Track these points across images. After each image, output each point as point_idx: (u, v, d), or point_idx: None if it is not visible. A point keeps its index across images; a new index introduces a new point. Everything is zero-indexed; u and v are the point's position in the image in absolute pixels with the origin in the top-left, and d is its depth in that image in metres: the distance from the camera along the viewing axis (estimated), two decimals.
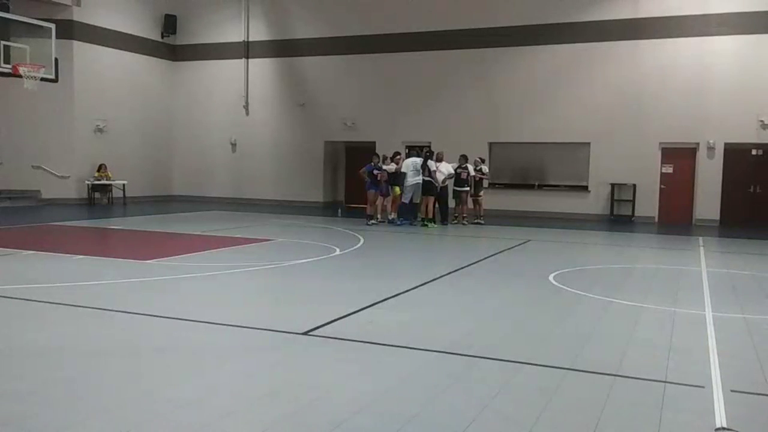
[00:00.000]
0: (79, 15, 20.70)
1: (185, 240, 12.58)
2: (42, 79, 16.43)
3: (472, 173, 16.64)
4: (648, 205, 18.71)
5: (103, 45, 21.53)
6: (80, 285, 7.63)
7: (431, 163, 15.62)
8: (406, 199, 15.93)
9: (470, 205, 16.86)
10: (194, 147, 24.35)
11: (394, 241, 13.07)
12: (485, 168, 17.14)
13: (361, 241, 12.52)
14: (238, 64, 23.52)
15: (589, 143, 19.25)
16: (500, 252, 11.54)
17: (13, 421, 3.66)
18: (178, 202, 23.19)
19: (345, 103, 21.99)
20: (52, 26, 16.78)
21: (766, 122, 17.43)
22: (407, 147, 20.15)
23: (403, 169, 15.81)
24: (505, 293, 7.91)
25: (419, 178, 15.60)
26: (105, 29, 21.59)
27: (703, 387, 4.46)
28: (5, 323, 5.91)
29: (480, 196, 16.96)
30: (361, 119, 21.83)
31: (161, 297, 7.17)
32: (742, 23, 17.50)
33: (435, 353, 5.16)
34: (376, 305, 6.84)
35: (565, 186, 19.84)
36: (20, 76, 15.92)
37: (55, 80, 17.14)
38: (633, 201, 18.70)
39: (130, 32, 22.53)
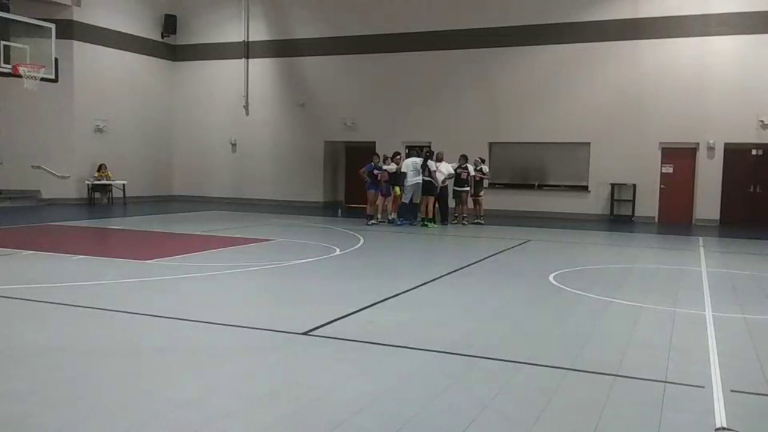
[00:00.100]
0: (79, 15, 20.71)
1: (185, 240, 12.58)
2: (42, 79, 16.43)
3: (472, 173, 16.64)
4: (648, 205, 18.71)
5: (103, 45, 21.54)
6: (80, 285, 7.63)
7: (431, 163, 15.61)
8: (406, 199, 15.93)
9: (470, 205, 16.86)
10: (194, 147, 24.35)
11: (394, 241, 13.07)
12: (485, 168, 17.13)
13: (361, 241, 12.52)
14: (238, 64, 23.52)
15: (589, 143, 19.26)
16: (500, 252, 11.54)
17: (13, 421, 3.66)
18: (178, 202, 23.19)
19: (345, 103, 21.99)
20: (52, 26, 16.78)
21: (766, 122, 17.43)
22: (407, 147, 20.15)
23: (403, 169, 15.81)
24: (505, 293, 7.90)
25: (419, 178, 15.61)
26: (105, 29, 21.60)
27: (703, 387, 4.46)
28: (5, 323, 5.91)
29: (480, 196, 16.95)
30: (361, 119, 21.83)
31: (161, 297, 7.17)
32: (742, 23, 17.50)
33: (435, 353, 5.16)
34: (376, 305, 6.84)
35: (565, 186, 19.84)
36: (20, 76, 15.92)
37: (55, 80, 17.14)
38: (633, 201, 18.70)
39: (130, 32, 22.54)
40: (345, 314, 6.34)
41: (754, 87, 17.43)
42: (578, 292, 7.81)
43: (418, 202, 15.92)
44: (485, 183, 17.29)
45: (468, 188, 16.64)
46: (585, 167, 19.42)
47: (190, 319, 6.14)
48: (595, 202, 19.26)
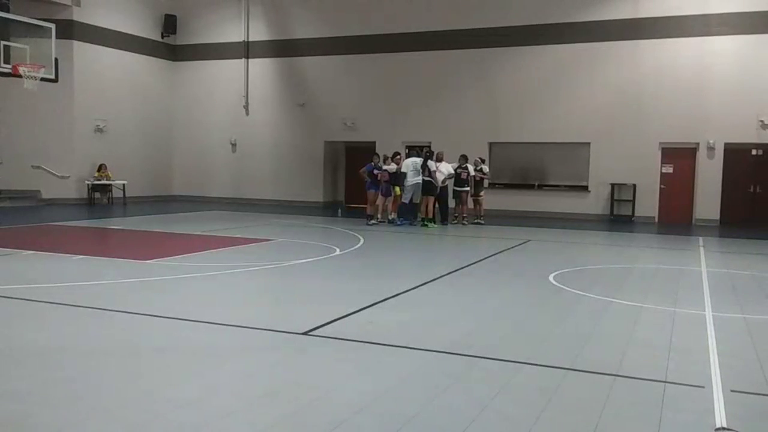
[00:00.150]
0: (79, 15, 20.71)
1: (185, 240, 12.58)
2: (42, 79, 16.42)
3: (472, 173, 16.64)
4: (648, 205, 18.71)
5: (103, 45, 21.54)
6: (80, 285, 7.63)
7: (431, 163, 15.61)
8: (406, 199, 15.93)
9: (470, 205, 16.86)
10: (194, 147, 24.36)
11: (394, 241, 13.07)
12: (486, 168, 17.13)
13: (361, 241, 12.52)
14: (238, 64, 23.52)
15: (589, 143, 19.26)
16: (500, 252, 11.54)
17: (13, 421, 3.66)
18: (178, 202, 23.19)
19: (345, 103, 21.99)
20: (52, 26, 16.78)
21: (766, 122, 17.43)
22: (407, 147, 20.16)
23: (403, 169, 15.81)
24: (505, 293, 7.90)
25: (419, 178, 15.60)
26: (105, 29, 21.60)
27: (703, 387, 4.46)
28: (5, 323, 5.91)
29: (480, 195, 16.95)
30: (361, 119, 21.83)
31: (161, 297, 7.17)
32: (742, 23, 17.51)
33: (435, 353, 5.16)
34: (376, 305, 6.84)
35: (565, 186, 19.84)
36: (20, 76, 15.91)
37: (55, 80, 17.13)
38: (633, 201, 18.70)
39: (130, 32, 22.54)
40: (345, 314, 6.34)
41: (754, 87, 17.43)
42: (578, 292, 7.81)
43: (418, 202, 15.92)
44: (485, 183, 17.29)
45: (468, 188, 16.64)
46: (585, 167, 19.43)
47: (190, 319, 6.14)
48: (595, 202, 19.26)
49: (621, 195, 18.87)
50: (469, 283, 8.49)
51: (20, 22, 16.19)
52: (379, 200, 16.00)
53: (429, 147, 17.87)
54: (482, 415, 3.87)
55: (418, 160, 15.82)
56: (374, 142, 20.84)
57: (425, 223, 15.57)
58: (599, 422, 3.80)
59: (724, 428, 3.74)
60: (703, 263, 10.61)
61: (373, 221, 15.92)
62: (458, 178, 16.39)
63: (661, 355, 5.19)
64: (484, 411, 3.94)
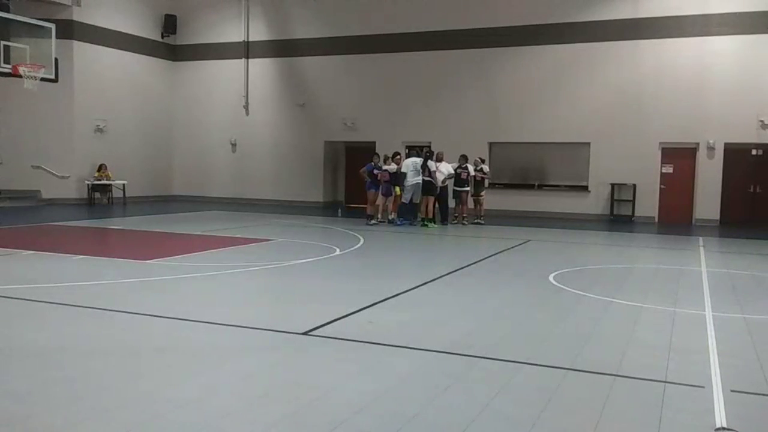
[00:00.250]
0: (79, 15, 20.71)
1: (185, 240, 12.58)
2: (42, 79, 16.41)
3: (472, 173, 16.64)
4: (648, 205, 18.71)
5: (103, 45, 21.54)
6: (80, 285, 7.63)
7: (431, 163, 15.61)
8: (406, 199, 15.93)
9: (471, 204, 16.87)
10: (194, 147, 24.36)
11: (394, 241, 13.07)
12: (486, 168, 17.13)
13: (361, 241, 12.52)
14: (238, 64, 23.52)
15: (589, 143, 19.26)
16: (500, 252, 11.54)
17: (13, 421, 3.66)
18: (178, 202, 23.19)
19: (345, 103, 21.99)
20: (52, 26, 16.77)
21: (766, 122, 17.43)
22: (407, 147, 20.16)
23: (403, 169, 15.81)
24: (505, 293, 7.90)
25: (419, 178, 15.60)
26: (105, 29, 21.60)
27: (703, 387, 4.46)
28: (5, 323, 5.91)
29: (481, 195, 16.95)
30: (361, 119, 21.83)
31: (161, 297, 7.17)
32: (742, 23, 17.51)
33: (435, 353, 5.16)
34: (376, 305, 6.84)
35: (565, 186, 19.84)
36: (20, 76, 15.91)
37: (55, 80, 17.13)
38: (633, 201, 18.70)
39: (130, 32, 22.54)
40: (345, 314, 6.34)
41: (754, 87, 17.43)
42: (578, 292, 7.81)
43: (418, 202, 15.92)
44: (486, 183, 17.29)
45: (468, 188, 16.63)
46: (585, 167, 19.43)
47: (190, 319, 6.14)
48: (595, 202, 19.26)
49: (621, 195, 18.87)
50: (469, 283, 8.49)
51: (20, 22, 16.19)
52: (380, 200, 16.00)
53: (429, 147, 17.87)
54: (482, 415, 3.87)
55: (418, 160, 15.82)
56: (374, 142, 20.83)
57: (425, 223, 15.57)
58: (599, 422, 3.80)
59: (724, 428, 3.74)
60: (703, 263, 10.61)
61: (373, 221, 15.92)
62: (458, 178, 16.39)
63: (661, 355, 5.19)
64: (484, 411, 3.94)
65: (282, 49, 22.93)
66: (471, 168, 16.65)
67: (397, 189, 15.90)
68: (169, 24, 23.88)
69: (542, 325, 6.28)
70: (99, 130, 21.53)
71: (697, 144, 18.24)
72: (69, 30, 20.04)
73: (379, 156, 16.17)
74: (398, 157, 16.08)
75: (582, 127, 19.19)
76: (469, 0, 20.20)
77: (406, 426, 3.69)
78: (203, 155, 24.22)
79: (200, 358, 4.94)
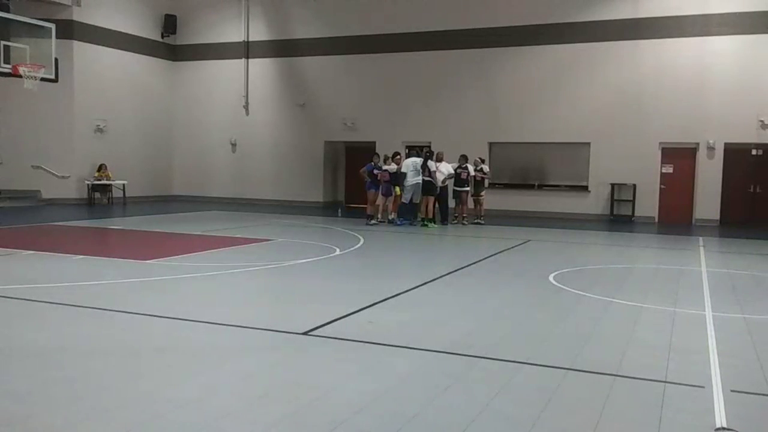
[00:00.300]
0: (79, 15, 20.71)
1: (185, 240, 12.58)
2: (42, 79, 16.41)
3: (472, 173, 16.64)
4: (648, 205, 18.71)
5: (103, 45, 21.54)
6: (80, 285, 7.63)
7: (431, 163, 15.61)
8: (406, 199, 15.93)
9: (471, 204, 16.87)
10: (194, 147, 24.36)
11: (394, 241, 13.07)
12: (486, 168, 17.13)
13: (361, 241, 12.52)
14: (238, 64, 23.53)
15: (589, 143, 19.26)
16: (500, 252, 11.54)
17: (13, 421, 3.66)
18: (178, 202, 23.19)
19: (345, 103, 21.99)
20: (52, 26, 16.77)
21: (766, 122, 17.43)
22: (407, 147, 20.16)
23: (403, 169, 15.80)
24: (505, 293, 7.90)
25: (419, 178, 15.60)
26: (105, 29, 21.60)
27: (703, 387, 4.46)
28: (5, 323, 5.91)
29: (481, 195, 16.95)
30: (361, 119, 21.83)
31: (161, 297, 7.17)
32: (742, 23, 17.51)
33: (435, 353, 5.16)
34: (376, 305, 6.84)
35: (565, 186, 19.84)
36: (20, 76, 15.91)
37: (55, 80, 17.13)
38: (633, 201, 18.70)
39: (130, 32, 22.54)
40: (345, 314, 6.34)
41: (754, 87, 17.43)
42: (578, 292, 7.81)
43: (418, 202, 15.92)
44: (486, 183, 17.29)
45: (468, 188, 16.63)
46: (585, 167, 19.43)
47: (190, 319, 6.14)
48: (595, 202, 19.26)
49: (621, 195, 18.87)
50: (469, 283, 8.49)
51: (20, 22, 16.19)
52: (380, 200, 16.00)
53: (429, 147, 17.87)
54: (482, 415, 3.87)
55: (418, 160, 15.82)
56: (374, 142, 20.83)
57: (425, 223, 15.57)
58: (599, 422, 3.80)
59: (724, 428, 3.74)
60: (703, 263, 10.61)
61: (373, 221, 15.92)
62: (458, 178, 16.39)
63: (661, 355, 5.19)
64: (484, 411, 3.94)
65: (282, 49, 22.93)
66: (471, 168, 16.65)
67: (397, 189, 15.90)
68: (169, 24, 23.88)
69: (542, 325, 6.28)
70: (99, 130, 21.53)
71: (697, 144, 18.24)
72: (69, 30, 20.04)
73: (379, 156, 16.18)
74: (398, 157, 16.08)
75: (582, 127, 19.19)
76: (469, 0, 20.20)
77: (406, 426, 3.69)
78: (203, 155, 24.22)
79: (200, 358, 4.94)
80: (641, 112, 18.56)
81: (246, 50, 23.42)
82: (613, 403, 4.12)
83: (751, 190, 18.15)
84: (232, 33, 23.61)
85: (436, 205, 16.07)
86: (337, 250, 11.08)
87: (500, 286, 8.34)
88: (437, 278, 8.64)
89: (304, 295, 7.53)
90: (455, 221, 16.72)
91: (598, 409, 4.01)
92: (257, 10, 23.30)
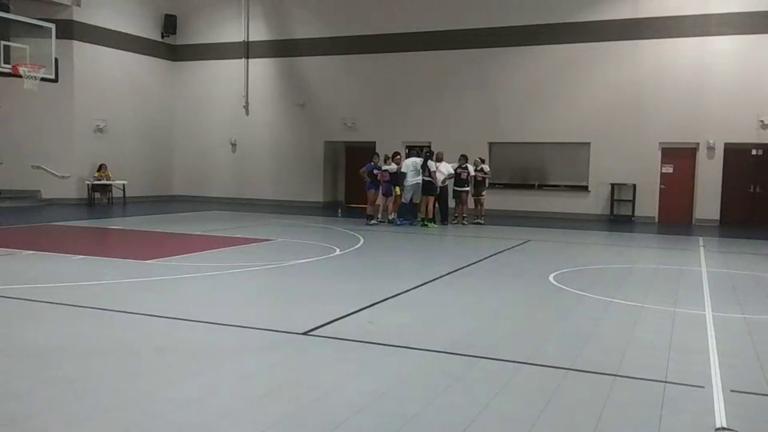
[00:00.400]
0: (79, 15, 20.71)
1: (185, 240, 12.58)
2: (42, 79, 16.41)
3: (472, 173, 16.64)
4: (648, 205, 18.71)
5: (103, 45, 21.55)
6: (80, 285, 7.63)
7: (431, 163, 15.61)
8: (406, 199, 15.93)
9: (471, 204, 16.87)
10: (194, 147, 24.36)
11: (394, 241, 13.07)
12: (486, 167, 17.13)
13: (361, 241, 12.52)
14: (238, 64, 23.53)
15: (589, 143, 19.26)
16: (500, 252, 11.54)
17: (13, 421, 3.66)
18: (178, 202, 23.19)
19: (345, 103, 21.99)
20: (52, 26, 16.77)
21: (766, 122, 17.43)
22: (407, 147, 20.16)
23: (403, 169, 15.81)
24: (505, 293, 7.90)
25: (419, 178, 15.61)
26: (105, 29, 21.60)
27: (703, 387, 4.46)
28: (5, 323, 5.91)
29: (482, 195, 16.96)
30: (361, 119, 21.83)
31: (161, 297, 7.17)
32: (742, 23, 17.51)
33: (435, 353, 5.16)
34: (376, 305, 6.84)
35: (565, 186, 19.84)
36: (20, 76, 15.91)
37: (55, 80, 17.13)
38: (633, 201, 18.70)
39: (130, 32, 22.54)
40: (345, 314, 6.34)
41: (754, 87, 17.43)
42: (578, 292, 7.81)
43: (418, 202, 15.92)
44: (486, 183, 17.28)
45: (468, 188, 16.63)
46: (585, 167, 19.43)
47: (190, 319, 6.14)
48: (595, 202, 19.26)
49: (621, 195, 18.87)
50: (469, 283, 8.49)
51: (20, 22, 16.19)
52: (380, 200, 16.01)
53: (429, 147, 17.87)
54: (482, 415, 3.87)
55: (418, 160, 15.82)
56: (374, 142, 20.83)
57: (425, 223, 15.57)
58: (599, 422, 3.80)
59: (724, 428, 3.74)
60: (703, 263, 10.61)
61: (373, 221, 15.92)
62: (458, 178, 16.39)
63: (661, 355, 5.19)
64: (484, 411, 3.94)
65: (282, 49, 22.93)
66: (471, 168, 16.66)
67: (397, 189, 15.90)
68: (169, 24, 23.88)
69: (542, 325, 6.28)
70: (99, 130, 21.53)
71: (697, 144, 18.24)
72: (69, 30, 20.04)
73: (379, 156, 16.18)
74: (398, 157, 16.09)
75: (582, 127, 19.19)
76: (469, 0, 20.20)
77: (406, 426, 3.69)
78: (203, 155, 24.22)
79: (200, 358, 4.94)
80: (641, 112, 18.57)
81: (246, 50, 23.42)
82: (613, 403, 4.12)
83: (751, 190, 18.16)
84: (232, 33, 23.61)
85: (436, 205, 16.07)
86: (337, 250, 11.08)
87: (500, 286, 8.34)
88: (437, 278, 8.64)
89: (304, 295, 7.53)
90: (455, 221, 16.72)
91: (598, 409, 4.01)
92: (257, 10, 23.30)
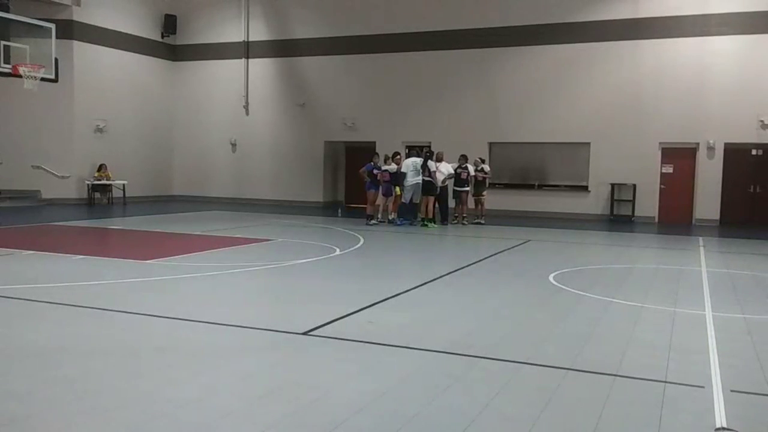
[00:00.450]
0: (79, 15, 20.71)
1: (185, 240, 12.58)
2: (42, 79, 16.41)
3: (472, 173, 16.64)
4: (648, 205, 18.71)
5: (103, 45, 21.55)
6: (80, 285, 7.63)
7: (431, 163, 15.61)
8: (406, 199, 15.93)
9: (471, 204, 16.87)
10: (194, 147, 24.36)
11: (394, 241, 13.07)
12: (487, 167, 17.12)
13: (361, 241, 12.52)
14: (238, 64, 23.53)
15: (589, 143, 19.26)
16: (500, 252, 11.54)
17: (13, 421, 3.66)
18: (178, 202, 23.19)
19: (345, 103, 21.99)
20: (52, 26, 16.77)
21: (766, 122, 17.43)
22: (407, 147, 20.16)
23: (403, 169, 15.81)
24: (505, 293, 7.90)
25: (419, 178, 15.61)
26: (105, 29, 21.60)
27: (703, 387, 4.46)
28: (5, 323, 5.91)
29: (483, 195, 16.96)
30: (361, 119, 21.83)
31: (161, 297, 7.17)
32: (742, 23, 17.51)
33: (435, 353, 5.16)
34: (376, 305, 6.84)
35: (565, 186, 19.84)
36: (20, 76, 15.91)
37: (55, 80, 17.13)
38: (633, 201, 18.70)
39: (130, 32, 22.54)
40: (345, 314, 6.34)
41: (754, 87, 17.43)
42: (578, 292, 7.81)
43: (418, 202, 15.92)
44: (487, 183, 17.27)
45: (468, 188, 16.63)
46: (585, 167, 19.43)
47: (190, 319, 6.14)
48: (595, 202, 19.26)
49: (621, 195, 18.87)
50: (469, 283, 8.49)
51: (20, 22, 16.19)
52: (380, 200, 16.01)
53: (429, 147, 17.87)
54: (482, 415, 3.87)
55: (418, 160, 15.82)
56: (374, 142, 20.83)
57: (425, 223, 15.57)
58: (599, 422, 3.80)
59: (724, 428, 3.74)
60: (703, 263, 10.61)
61: (373, 221, 15.92)
62: (458, 178, 16.39)
63: (661, 355, 5.19)
64: (484, 411, 3.94)
65: (282, 49, 22.93)
66: (471, 168, 16.66)
67: (397, 189, 15.90)
68: (169, 24, 23.88)
69: (542, 325, 6.28)
70: (99, 130, 21.53)
71: (697, 144, 18.24)
72: (69, 30, 20.04)
73: (378, 156, 16.18)
74: (398, 157, 16.08)
75: (582, 127, 19.19)
76: (469, 0, 20.20)
77: (406, 426, 3.69)
78: (203, 155, 24.22)
79: (200, 358, 4.94)
80: (641, 112, 18.57)
81: (246, 50, 23.42)
82: (613, 403, 4.12)
83: (751, 190, 18.16)
84: (232, 33, 23.61)
85: (436, 205, 16.07)
86: (337, 250, 11.08)
87: (500, 286, 8.34)
88: (437, 278, 8.64)
89: (304, 295, 7.53)
90: (455, 221, 16.72)
91: (598, 409, 4.01)
92: (257, 10, 23.30)
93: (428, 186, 15.56)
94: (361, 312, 6.51)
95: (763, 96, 17.37)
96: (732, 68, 17.63)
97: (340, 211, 19.50)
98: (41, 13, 18.47)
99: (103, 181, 21.12)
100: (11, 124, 20.50)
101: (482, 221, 16.78)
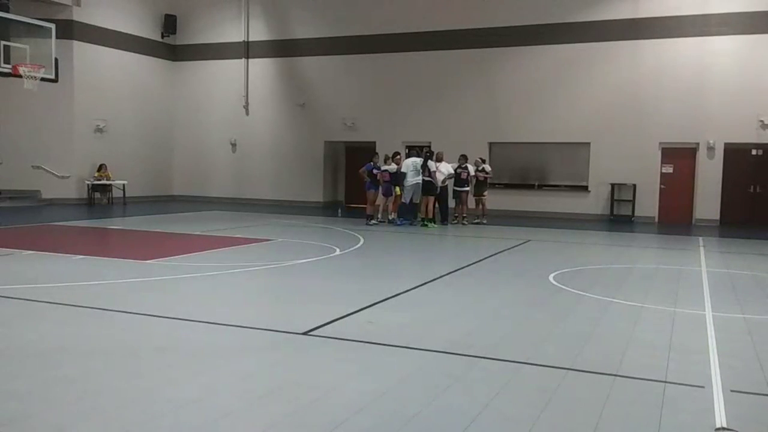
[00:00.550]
0: (79, 15, 20.71)
1: (185, 240, 12.58)
2: (42, 79, 16.40)
3: (473, 173, 16.64)
4: (648, 205, 18.71)
5: (103, 45, 21.54)
6: (80, 285, 7.63)
7: (431, 163, 15.61)
8: (406, 199, 15.93)
9: (472, 204, 16.87)
10: (194, 147, 24.36)
11: (394, 241, 13.07)
12: (488, 167, 17.12)
13: (361, 241, 12.52)
14: (238, 64, 23.52)
15: (589, 143, 19.26)
16: (500, 252, 11.54)
17: (13, 421, 3.66)
18: (178, 202, 23.19)
19: (345, 103, 21.99)
20: (52, 26, 16.76)
21: (766, 122, 17.43)
22: (407, 147, 20.16)
23: (403, 169, 15.81)
24: (505, 293, 7.90)
25: (419, 178, 15.61)
26: (105, 29, 21.60)
27: (703, 387, 4.46)
28: (5, 323, 5.91)
29: (484, 195, 16.96)
30: (361, 119, 21.83)
31: (161, 297, 7.17)
32: (742, 23, 17.51)
33: (435, 353, 5.16)
34: (376, 305, 6.84)
35: (565, 186, 19.84)
36: (20, 76, 15.90)
37: (55, 80, 17.11)
38: (633, 201, 18.70)
39: (130, 32, 22.54)
40: (345, 314, 6.34)
41: (754, 87, 17.43)
42: (578, 292, 7.81)
43: (418, 202, 15.92)
44: (487, 182, 17.26)
45: (468, 188, 16.63)
46: (585, 167, 19.43)
47: (190, 319, 6.14)
48: (595, 202, 19.26)
49: (621, 195, 18.87)
50: (469, 283, 8.49)
51: (20, 22, 16.18)
52: (380, 200, 16.01)
53: (429, 147, 17.87)
54: (482, 415, 3.87)
55: (418, 160, 15.82)
56: (374, 142, 20.83)
57: (425, 223, 15.57)
58: (599, 422, 3.80)
59: (724, 428, 3.74)
60: (703, 263, 10.61)
61: (373, 221, 15.92)
62: (458, 178, 16.39)
63: (661, 355, 5.19)
64: (484, 411, 3.94)
65: (282, 49, 22.93)
66: (471, 168, 16.66)
67: (397, 189, 15.90)
68: (169, 24, 23.88)
69: (542, 325, 6.28)
70: (99, 130, 21.53)
71: (697, 144, 18.24)
72: (69, 30, 20.04)
73: (378, 156, 16.18)
74: (398, 157, 16.08)
75: (582, 127, 19.19)
76: (469, 0, 20.20)
77: (406, 426, 3.69)
78: (203, 155, 24.22)
79: (200, 358, 4.93)
80: (641, 112, 18.57)
81: (246, 50, 23.42)
82: (613, 403, 4.12)
83: (751, 190, 18.16)
84: (232, 33, 23.61)
85: (436, 205, 16.07)
86: (337, 250, 11.08)
87: (500, 286, 8.34)
88: (437, 278, 8.64)
89: (304, 295, 7.53)
90: (455, 221, 16.72)
91: (598, 409, 4.01)
92: (257, 10, 23.30)
93: (428, 186, 15.56)
94: (361, 312, 6.51)
95: (763, 96, 17.37)
96: (732, 68, 17.63)
97: (340, 211, 19.51)
98: (41, 13, 18.47)
99: (103, 181, 21.11)
100: (11, 124, 20.50)
101: (484, 221, 16.79)
